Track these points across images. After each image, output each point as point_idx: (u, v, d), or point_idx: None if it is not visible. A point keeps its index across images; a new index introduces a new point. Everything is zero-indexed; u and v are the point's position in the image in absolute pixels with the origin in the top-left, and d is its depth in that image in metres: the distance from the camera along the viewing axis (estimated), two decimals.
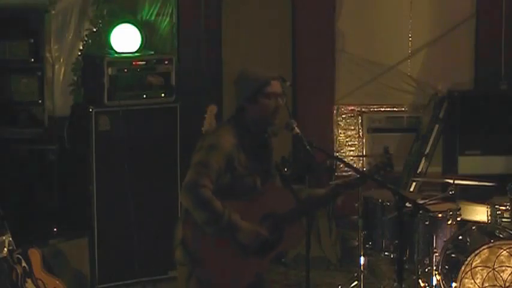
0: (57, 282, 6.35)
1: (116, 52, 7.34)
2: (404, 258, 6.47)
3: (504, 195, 6.77)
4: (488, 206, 6.95)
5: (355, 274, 7.08)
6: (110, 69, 7.17)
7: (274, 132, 4.97)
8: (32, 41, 7.59)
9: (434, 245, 6.63)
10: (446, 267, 6.49)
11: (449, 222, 6.70)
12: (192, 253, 4.81)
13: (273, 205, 4.90)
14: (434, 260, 6.58)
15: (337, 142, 8.81)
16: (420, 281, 6.68)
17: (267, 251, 4.90)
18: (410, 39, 8.74)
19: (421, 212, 5.42)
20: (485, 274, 6.30)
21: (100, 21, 7.83)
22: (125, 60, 7.29)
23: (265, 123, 4.93)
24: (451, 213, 6.72)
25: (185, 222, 4.84)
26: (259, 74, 4.93)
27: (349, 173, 7.94)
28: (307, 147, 4.94)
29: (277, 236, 4.90)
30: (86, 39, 7.84)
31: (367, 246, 6.99)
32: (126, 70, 7.24)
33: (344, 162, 5.89)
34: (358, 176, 5.21)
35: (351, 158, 8.62)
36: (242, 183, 4.85)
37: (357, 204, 7.00)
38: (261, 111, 4.89)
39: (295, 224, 4.94)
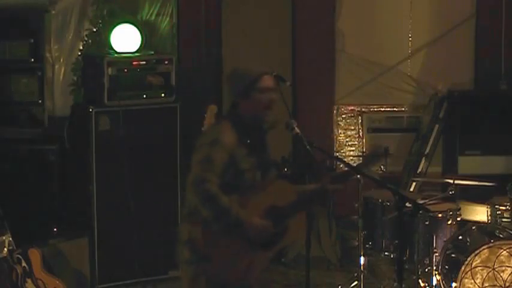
0: (57, 282, 6.35)
1: (116, 52, 7.34)
2: (404, 258, 6.47)
3: (504, 195, 6.78)
4: (488, 206, 6.95)
5: (355, 274, 7.08)
6: (110, 69, 7.17)
7: (271, 125, 5.01)
8: (32, 41, 7.59)
9: (434, 245, 6.63)
10: (446, 267, 6.49)
11: (449, 222, 6.70)
12: (201, 251, 4.83)
13: (274, 198, 4.93)
14: (434, 260, 6.58)
15: (337, 142, 8.81)
16: (420, 281, 6.68)
17: (273, 244, 4.93)
18: (410, 39, 8.74)
19: (421, 212, 5.42)
20: (485, 274, 6.30)
21: (100, 21, 7.84)
22: (125, 60, 7.29)
23: (260, 117, 4.96)
24: (451, 213, 6.72)
25: (193, 221, 4.86)
26: (251, 70, 5.00)
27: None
28: (307, 147, 4.96)
29: (281, 228, 4.93)
30: (86, 39, 7.85)
31: (367, 246, 6.99)
32: (126, 70, 7.24)
33: (344, 162, 5.90)
34: (347, 169, 5.24)
35: (351, 158, 8.62)
36: (244, 178, 4.89)
37: (357, 204, 7.00)
38: (254, 106, 4.93)
39: (296, 217, 4.98)
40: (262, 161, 5.00)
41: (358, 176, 6.20)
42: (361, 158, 8.59)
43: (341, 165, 8.20)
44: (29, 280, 6.24)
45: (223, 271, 4.85)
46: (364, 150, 8.68)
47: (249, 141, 4.92)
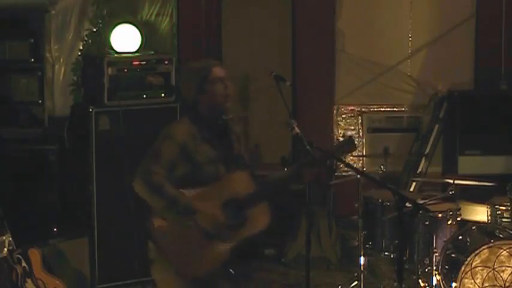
0: (57, 282, 6.35)
1: (116, 52, 7.34)
2: (404, 258, 6.47)
3: (504, 195, 6.77)
4: (488, 206, 6.95)
5: (355, 274, 7.08)
6: (110, 69, 7.17)
7: (228, 115, 5.04)
8: (32, 41, 7.59)
9: (434, 245, 6.63)
10: (446, 267, 6.49)
11: (449, 222, 6.70)
12: (155, 241, 4.94)
13: (233, 190, 4.95)
14: (434, 260, 6.58)
15: (337, 142, 8.80)
16: (420, 281, 6.68)
17: (232, 236, 4.92)
18: (410, 39, 8.74)
19: (421, 212, 5.42)
20: (485, 274, 6.30)
21: (100, 21, 7.84)
22: (125, 60, 7.29)
23: (219, 108, 5.01)
24: (451, 213, 6.72)
25: (149, 212, 4.95)
26: (199, 65, 5.10)
27: (349, 173, 7.94)
28: (307, 147, 4.95)
29: (241, 220, 4.93)
30: (86, 39, 7.85)
31: (367, 246, 6.99)
32: (126, 70, 7.24)
33: (344, 162, 5.88)
34: (320, 153, 5.18)
35: (351, 158, 8.62)
36: (203, 171, 4.93)
37: (357, 204, 7.00)
38: (211, 98, 4.99)
39: (258, 210, 4.96)
40: (225, 155, 5.02)
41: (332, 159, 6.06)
42: (360, 158, 8.64)
43: (341, 165, 8.21)
44: (29, 280, 6.24)
45: (179, 263, 4.88)
46: (364, 151, 8.69)
47: (209, 135, 4.96)
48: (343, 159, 5.56)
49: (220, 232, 4.88)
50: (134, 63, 7.29)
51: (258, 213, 4.98)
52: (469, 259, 6.27)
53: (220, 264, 4.95)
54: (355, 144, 5.23)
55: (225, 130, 5.10)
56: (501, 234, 6.48)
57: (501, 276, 6.30)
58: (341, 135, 8.70)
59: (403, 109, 8.80)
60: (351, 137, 5.39)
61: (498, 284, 6.30)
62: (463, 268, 6.27)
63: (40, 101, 7.67)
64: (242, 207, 4.95)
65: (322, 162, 5.21)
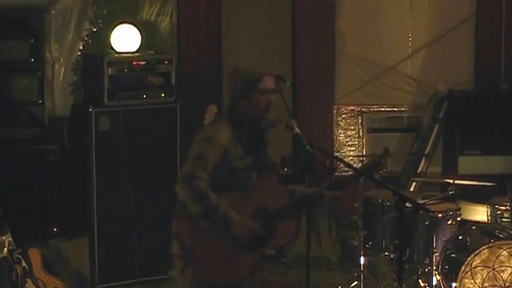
0: (57, 282, 6.35)
1: (116, 52, 7.34)
2: (404, 258, 6.47)
3: (504, 195, 6.78)
4: (488, 206, 6.95)
5: (355, 274, 7.08)
6: (110, 69, 7.17)
7: (270, 125, 5.00)
8: (32, 41, 7.59)
9: (434, 245, 6.63)
10: (446, 267, 6.49)
11: (449, 222, 6.70)
12: (186, 245, 4.86)
13: (266, 200, 4.93)
14: (434, 260, 6.58)
15: (337, 142, 8.81)
16: (420, 281, 6.68)
17: (259, 246, 4.91)
18: (410, 39, 8.74)
19: (421, 212, 5.43)
20: (485, 274, 6.30)
21: (100, 21, 7.84)
22: (125, 60, 7.29)
23: (259, 118, 4.96)
24: (451, 213, 6.72)
25: (180, 215, 4.89)
26: (252, 70, 4.99)
27: (349, 172, 7.94)
28: (307, 147, 4.95)
29: (269, 231, 4.91)
30: (86, 39, 7.85)
31: (367, 246, 6.99)
32: (126, 70, 7.24)
33: (344, 162, 5.89)
34: (351, 173, 5.21)
35: (351, 158, 8.62)
36: (238, 176, 4.89)
37: (357, 204, 7.00)
38: (253, 107, 4.93)
39: (287, 221, 4.95)
40: (258, 162, 4.99)
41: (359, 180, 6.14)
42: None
43: (341, 165, 8.22)
44: (29, 280, 6.24)
45: (207, 269, 4.86)
46: (364, 151, 8.69)
47: (246, 141, 4.92)
48: (342, 159, 5.57)
49: (250, 243, 4.85)
50: (134, 63, 7.28)
51: (287, 226, 4.95)
52: (469, 259, 6.27)
53: (247, 273, 4.95)
54: (382, 164, 5.23)
55: (261, 137, 5.05)
56: (501, 234, 6.48)
57: (501, 276, 6.30)
58: (341, 135, 8.71)
59: (403, 109, 8.80)
60: (382, 155, 5.37)
61: (498, 284, 6.30)
62: (463, 268, 6.27)
63: (40, 101, 7.66)
64: (273, 219, 4.92)
65: (354, 181, 5.23)
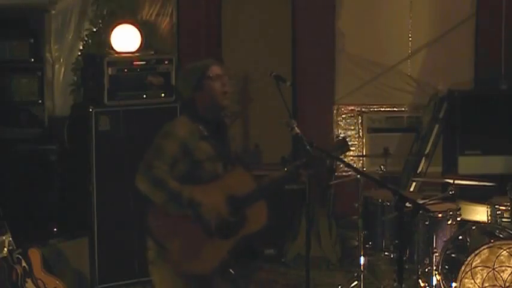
0: (57, 282, 6.35)
1: (116, 52, 7.34)
2: (404, 258, 6.47)
3: (504, 195, 6.78)
4: (488, 206, 6.95)
5: (355, 274, 7.08)
6: (110, 69, 7.17)
7: (229, 115, 5.07)
8: (32, 41, 7.59)
9: (434, 245, 6.63)
10: (446, 267, 6.49)
11: (449, 222, 6.70)
12: (157, 238, 4.96)
13: (232, 188, 4.98)
14: (434, 260, 6.58)
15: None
16: (420, 281, 6.68)
17: (229, 235, 4.95)
18: (410, 39, 8.74)
19: (421, 212, 5.43)
20: (485, 274, 6.30)
21: (100, 21, 7.84)
22: (125, 60, 7.29)
23: (216, 106, 5.05)
24: (451, 213, 6.72)
25: (151, 211, 4.99)
26: (198, 63, 5.16)
27: (349, 173, 7.95)
28: (307, 147, 4.96)
29: (239, 218, 4.96)
30: (86, 39, 7.85)
31: (367, 246, 6.99)
32: (126, 70, 7.24)
33: (344, 162, 5.89)
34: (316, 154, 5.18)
35: (351, 158, 8.62)
36: (202, 169, 4.96)
37: (357, 204, 7.00)
38: (209, 94, 5.03)
39: (256, 207, 5.00)
40: (222, 154, 5.05)
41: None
42: (360, 158, 8.64)
43: (341, 165, 8.21)
44: (29, 280, 6.24)
45: (178, 260, 4.91)
46: (364, 151, 8.69)
47: (207, 133, 4.99)
48: (342, 159, 5.57)
49: (220, 229, 4.89)
50: (134, 63, 7.29)
51: (256, 212, 5.02)
52: (469, 259, 6.27)
53: (219, 263, 4.97)
54: (349, 145, 5.26)
55: (223, 128, 5.14)
56: (501, 234, 6.48)
57: (501, 276, 6.30)
58: (341, 134, 8.70)
59: (403, 109, 8.80)
60: (344, 137, 5.43)
61: (498, 284, 6.30)
62: (463, 268, 6.27)
63: (40, 101, 7.66)
64: (241, 206, 4.97)
65: (319, 163, 5.22)
